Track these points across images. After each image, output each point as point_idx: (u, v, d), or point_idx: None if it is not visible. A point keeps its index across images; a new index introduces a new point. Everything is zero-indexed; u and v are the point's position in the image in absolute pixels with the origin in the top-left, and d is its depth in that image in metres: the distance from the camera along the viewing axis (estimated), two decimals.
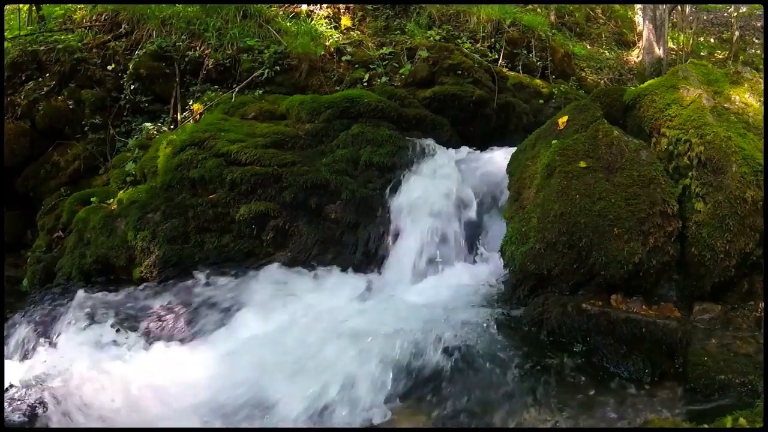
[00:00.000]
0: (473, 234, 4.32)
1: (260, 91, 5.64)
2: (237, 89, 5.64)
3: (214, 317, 3.61)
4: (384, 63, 6.03)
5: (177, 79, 5.80)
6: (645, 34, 8.62)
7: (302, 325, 3.35)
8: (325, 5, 7.00)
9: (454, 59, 5.57)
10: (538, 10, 8.91)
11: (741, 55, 10.17)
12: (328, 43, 6.21)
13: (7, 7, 7.16)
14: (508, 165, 4.03)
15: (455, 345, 2.88)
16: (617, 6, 11.13)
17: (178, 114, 5.71)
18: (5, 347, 3.50)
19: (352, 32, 6.78)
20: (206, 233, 4.24)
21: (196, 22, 6.12)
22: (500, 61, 6.57)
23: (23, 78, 5.76)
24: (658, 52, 8.37)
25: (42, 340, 3.51)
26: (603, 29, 10.42)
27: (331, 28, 6.70)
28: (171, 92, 5.81)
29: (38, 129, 5.60)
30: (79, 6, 6.85)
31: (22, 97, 5.61)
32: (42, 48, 5.87)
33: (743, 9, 11.83)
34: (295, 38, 6.07)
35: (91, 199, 4.80)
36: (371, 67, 5.96)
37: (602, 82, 8.04)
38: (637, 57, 9.21)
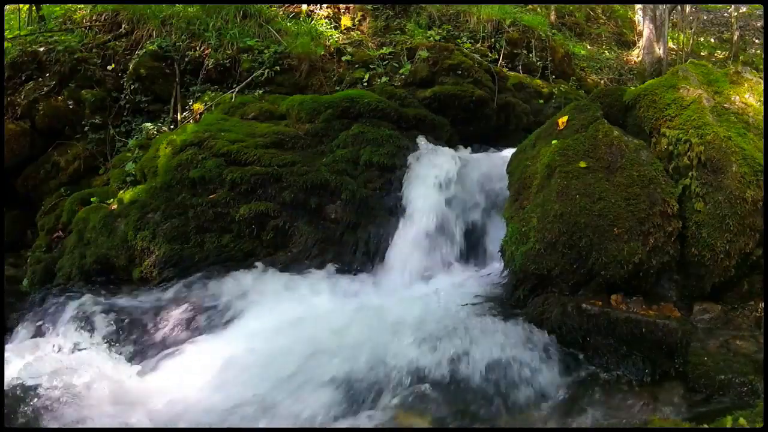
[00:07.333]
0: (472, 234, 4.32)
1: (260, 91, 5.64)
2: (237, 89, 5.64)
3: (213, 317, 3.61)
4: (384, 63, 6.03)
5: (177, 79, 5.80)
6: (645, 34, 8.63)
7: (301, 326, 3.34)
8: (325, 5, 7.00)
9: (454, 59, 5.57)
10: (538, 10, 8.91)
11: (741, 55, 10.18)
12: (328, 43, 6.21)
13: (7, 7, 7.16)
14: (508, 165, 4.03)
15: (454, 346, 2.87)
16: (617, 6, 11.14)
17: (178, 114, 5.70)
18: (5, 347, 3.50)
19: (352, 32, 6.78)
20: (206, 233, 4.24)
21: (196, 22, 6.11)
22: (500, 61, 6.58)
23: (23, 78, 5.76)
24: (658, 52, 8.38)
25: (42, 340, 3.51)
26: (603, 29, 10.42)
27: (331, 28, 6.71)
28: (171, 92, 5.81)
29: (38, 129, 5.60)
30: (79, 6, 6.85)
31: (22, 97, 5.61)
32: (42, 48, 5.86)
33: (743, 9, 11.84)
34: (295, 38, 6.07)
35: (91, 199, 4.80)
36: (371, 67, 5.96)
37: (602, 82, 8.04)
38: (637, 57, 9.21)
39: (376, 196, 4.46)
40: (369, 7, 7.10)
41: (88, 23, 6.49)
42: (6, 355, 3.29)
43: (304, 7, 6.94)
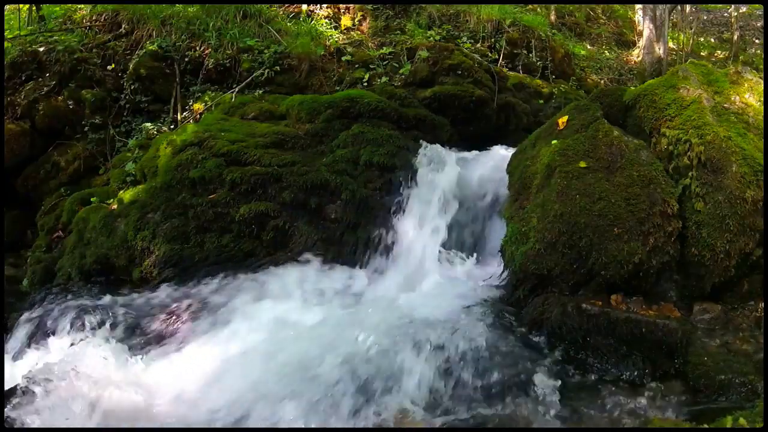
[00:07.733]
0: (472, 234, 4.32)
1: (260, 91, 5.64)
2: (237, 89, 5.64)
3: (213, 317, 3.61)
4: (384, 63, 6.03)
5: (177, 79, 5.81)
6: (645, 33, 8.63)
7: (301, 326, 3.34)
8: (325, 5, 7.01)
9: (454, 59, 5.57)
10: (538, 10, 8.92)
11: (741, 55, 10.18)
12: (328, 43, 6.21)
13: (7, 7, 7.16)
14: (508, 165, 4.03)
15: (454, 346, 2.87)
16: (617, 6, 11.13)
17: (178, 114, 5.71)
18: (5, 347, 3.50)
19: (352, 32, 6.79)
20: (206, 233, 4.24)
21: (196, 22, 6.12)
22: (500, 61, 6.58)
23: (23, 78, 5.77)
24: (658, 52, 8.38)
25: (42, 340, 3.51)
26: (603, 29, 10.42)
27: (331, 28, 6.71)
28: (171, 92, 5.81)
29: (38, 129, 5.60)
30: (79, 6, 6.86)
31: (22, 97, 5.61)
32: (42, 48, 5.87)
33: (743, 9, 11.83)
34: (295, 38, 6.07)
35: (91, 199, 4.81)
36: (371, 67, 5.96)
37: (602, 82, 8.04)
38: (637, 57, 9.20)
39: (376, 196, 4.46)
40: (369, 7, 7.11)
41: (88, 23, 6.49)
42: (6, 355, 3.29)
43: (304, 7, 6.95)
